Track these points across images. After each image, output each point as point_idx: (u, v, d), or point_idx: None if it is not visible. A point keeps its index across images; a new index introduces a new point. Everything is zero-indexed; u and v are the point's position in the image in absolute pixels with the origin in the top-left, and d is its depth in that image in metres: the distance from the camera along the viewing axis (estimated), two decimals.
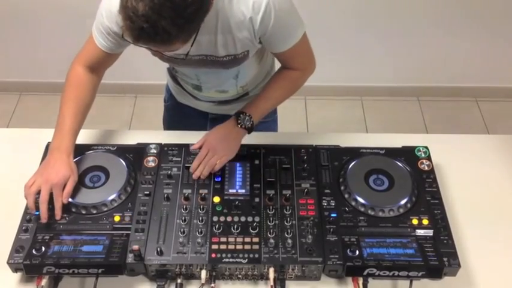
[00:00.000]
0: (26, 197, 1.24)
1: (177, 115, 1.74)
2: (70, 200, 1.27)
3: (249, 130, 1.37)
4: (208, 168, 1.32)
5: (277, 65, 1.58)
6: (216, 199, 1.30)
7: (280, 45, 1.30)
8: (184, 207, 1.28)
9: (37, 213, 1.25)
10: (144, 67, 2.88)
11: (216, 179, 1.35)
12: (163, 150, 1.41)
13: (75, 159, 1.34)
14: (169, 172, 1.35)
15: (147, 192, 1.31)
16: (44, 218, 1.22)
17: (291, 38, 1.29)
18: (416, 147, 1.43)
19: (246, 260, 1.19)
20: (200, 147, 1.36)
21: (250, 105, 1.39)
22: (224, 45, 1.28)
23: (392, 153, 1.41)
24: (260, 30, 1.23)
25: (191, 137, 1.48)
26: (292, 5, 1.27)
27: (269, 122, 1.73)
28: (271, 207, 1.29)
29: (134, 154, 1.40)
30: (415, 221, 1.27)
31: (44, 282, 1.19)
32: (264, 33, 1.24)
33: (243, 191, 1.32)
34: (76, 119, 1.34)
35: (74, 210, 1.27)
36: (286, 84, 1.42)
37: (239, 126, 1.34)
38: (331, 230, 1.24)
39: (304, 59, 1.40)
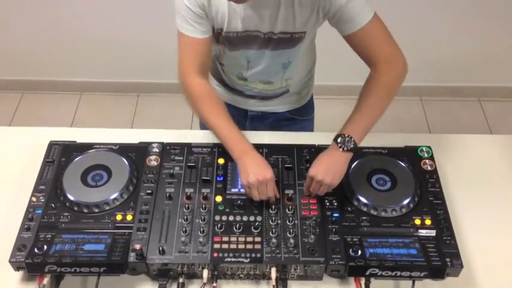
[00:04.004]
0: (253, 195, 1.26)
1: None
2: (72, 198, 1.27)
3: (353, 151, 1.26)
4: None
5: (319, 66, 1.56)
6: (218, 198, 1.30)
7: (353, 22, 1.29)
8: (187, 206, 1.28)
9: (39, 211, 1.25)
10: (147, 66, 2.89)
11: (218, 178, 1.35)
12: (166, 149, 1.41)
13: (77, 158, 1.37)
14: (171, 171, 1.35)
15: (149, 191, 1.31)
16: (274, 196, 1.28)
17: (361, 15, 1.28)
18: (419, 147, 1.43)
19: (248, 259, 1.19)
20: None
21: (347, 125, 1.29)
22: (284, 20, 1.31)
23: (395, 153, 1.41)
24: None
25: (193, 136, 1.48)
26: None
27: (307, 121, 1.76)
28: (273, 207, 1.28)
29: (136, 153, 1.40)
30: (417, 221, 1.26)
31: (45, 280, 1.19)
32: (332, 12, 1.28)
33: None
34: (231, 123, 1.36)
35: (76, 209, 1.27)
36: (377, 90, 1.31)
37: (341, 150, 1.25)
38: (334, 229, 1.24)
39: (384, 42, 1.33)
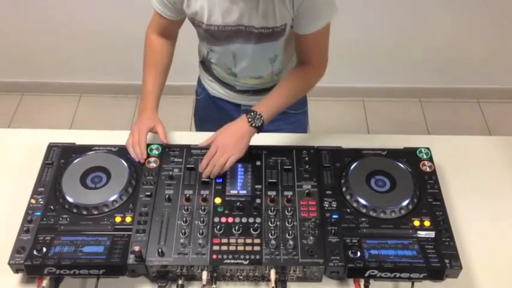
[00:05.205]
0: (129, 151, 1.39)
1: (210, 108, 1.77)
2: (71, 200, 1.27)
3: (259, 129, 1.37)
4: (217, 168, 1.33)
5: None
6: (218, 200, 1.30)
7: (307, 25, 1.34)
8: (186, 208, 1.28)
9: (38, 213, 1.25)
10: None
11: (217, 180, 1.35)
12: (165, 151, 1.41)
13: (76, 160, 1.37)
14: (170, 173, 1.35)
15: (149, 193, 1.31)
16: (139, 158, 1.37)
17: (319, 20, 1.33)
18: (418, 148, 1.43)
19: (247, 261, 1.19)
20: (209, 145, 1.37)
21: (260, 104, 1.40)
22: (264, 15, 1.33)
23: (394, 154, 1.41)
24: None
25: (192, 138, 1.48)
26: None
27: (300, 114, 1.76)
28: (272, 209, 1.29)
29: None
30: (416, 223, 1.26)
31: (45, 283, 1.19)
32: (300, 4, 1.30)
33: (245, 192, 1.32)
34: (156, 82, 1.53)
35: (75, 211, 1.27)
36: (297, 83, 1.45)
37: (249, 124, 1.35)
38: (333, 231, 1.24)
39: (321, 51, 1.43)
